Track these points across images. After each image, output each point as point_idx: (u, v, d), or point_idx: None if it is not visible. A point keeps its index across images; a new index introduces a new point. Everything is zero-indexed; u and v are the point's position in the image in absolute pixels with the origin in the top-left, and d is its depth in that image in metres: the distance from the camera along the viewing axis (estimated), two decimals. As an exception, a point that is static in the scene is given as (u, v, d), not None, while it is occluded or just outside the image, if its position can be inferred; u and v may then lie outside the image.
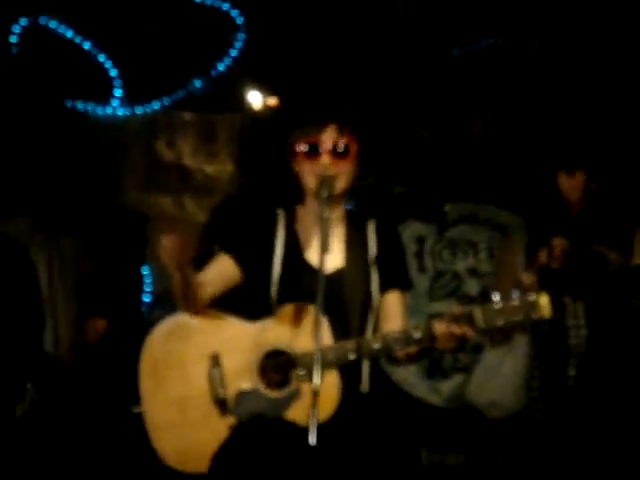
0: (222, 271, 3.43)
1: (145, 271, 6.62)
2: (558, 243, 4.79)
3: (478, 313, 3.14)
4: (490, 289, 6.10)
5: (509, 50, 6.49)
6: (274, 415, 3.24)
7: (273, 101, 6.78)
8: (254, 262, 3.39)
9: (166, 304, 5.50)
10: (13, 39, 6.49)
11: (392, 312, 3.40)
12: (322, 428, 2.96)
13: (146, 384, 3.37)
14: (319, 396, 2.94)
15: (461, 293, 6.48)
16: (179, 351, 3.35)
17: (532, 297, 3.12)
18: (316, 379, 2.96)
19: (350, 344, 3.22)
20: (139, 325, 6.16)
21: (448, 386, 6.34)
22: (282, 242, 3.40)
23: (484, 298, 6.30)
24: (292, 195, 3.45)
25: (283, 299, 3.31)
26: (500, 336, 3.26)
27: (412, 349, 3.25)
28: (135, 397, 3.37)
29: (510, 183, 6.29)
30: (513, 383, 5.00)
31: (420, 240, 6.51)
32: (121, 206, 6.65)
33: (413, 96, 6.47)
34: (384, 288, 3.40)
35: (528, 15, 6.46)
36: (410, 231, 6.46)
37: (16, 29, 6.49)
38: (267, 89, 6.77)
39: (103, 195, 6.44)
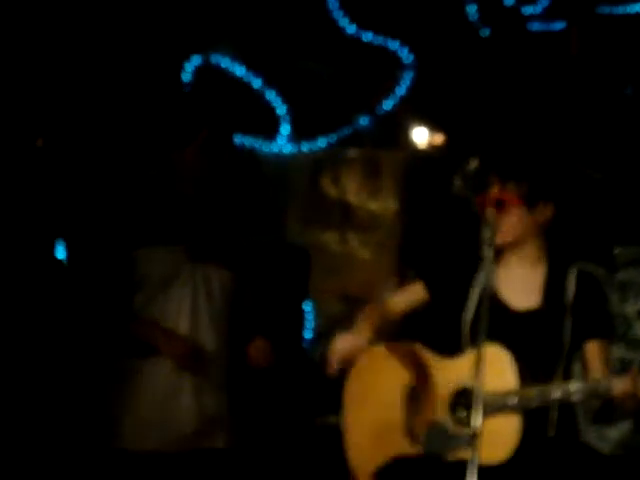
0: (412, 297, 3.58)
1: (307, 307, 6.64)
2: None
3: None
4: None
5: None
6: (456, 450, 3.31)
7: (439, 139, 6.74)
8: (448, 295, 3.50)
9: (329, 340, 5.50)
10: (186, 77, 6.64)
11: (593, 363, 3.38)
12: (498, 469, 3.15)
13: (349, 407, 3.53)
14: (479, 439, 2.93)
15: (630, 337, 6.30)
16: (381, 379, 3.51)
17: None
18: (476, 421, 2.96)
19: (532, 391, 3.24)
20: (301, 362, 6.18)
21: (614, 433, 6.13)
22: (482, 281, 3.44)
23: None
24: None
25: (474, 335, 3.32)
26: None
27: (595, 403, 3.22)
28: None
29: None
30: None
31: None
32: (283, 241, 6.71)
33: (585, 137, 6.35)
34: (583, 338, 3.39)
35: None
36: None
37: (189, 67, 6.64)
38: (433, 127, 6.74)
39: (266, 229, 6.50)
